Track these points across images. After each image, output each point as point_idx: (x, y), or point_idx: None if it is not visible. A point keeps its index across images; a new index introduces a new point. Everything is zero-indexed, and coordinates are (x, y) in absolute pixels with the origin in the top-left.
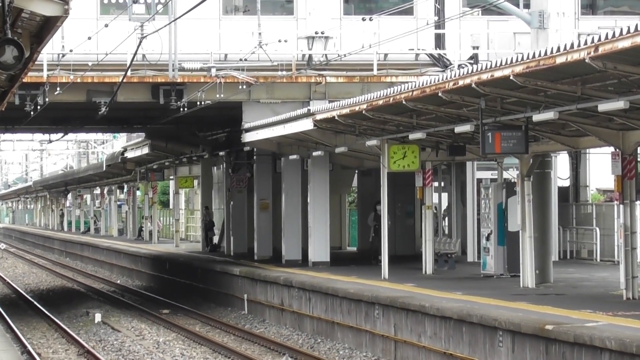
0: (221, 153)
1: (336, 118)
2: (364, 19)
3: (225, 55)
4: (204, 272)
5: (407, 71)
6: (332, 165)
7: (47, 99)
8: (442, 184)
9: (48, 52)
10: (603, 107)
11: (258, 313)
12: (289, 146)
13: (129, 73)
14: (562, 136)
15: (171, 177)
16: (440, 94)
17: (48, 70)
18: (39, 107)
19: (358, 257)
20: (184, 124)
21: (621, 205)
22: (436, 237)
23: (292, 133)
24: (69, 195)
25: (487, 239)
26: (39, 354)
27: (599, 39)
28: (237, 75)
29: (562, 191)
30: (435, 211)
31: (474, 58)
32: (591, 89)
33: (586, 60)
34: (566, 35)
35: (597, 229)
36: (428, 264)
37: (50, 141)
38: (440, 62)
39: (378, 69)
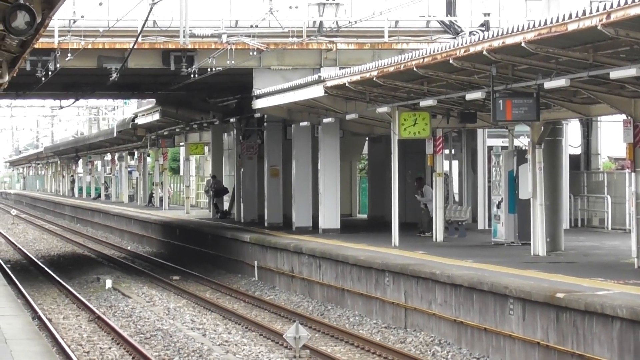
0: (232, 120)
1: (347, 85)
2: None
3: (236, 21)
4: (214, 238)
5: (418, 38)
6: (343, 132)
7: (58, 65)
8: (453, 152)
9: (59, 18)
10: (615, 74)
11: (268, 280)
12: (300, 113)
13: (139, 39)
14: (573, 103)
15: (182, 143)
16: (451, 61)
17: (59, 36)
18: (50, 73)
19: (368, 224)
20: (194, 91)
21: (633, 173)
22: (447, 205)
23: (302, 100)
24: (80, 162)
25: (498, 206)
26: (49, 320)
27: (611, 6)
28: (248, 41)
29: (573, 159)
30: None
31: (485, 25)
32: (603, 56)
33: (598, 27)
34: (578, 2)
35: (609, 197)
36: (439, 232)
37: (61, 107)
38: (451, 29)
39: (389, 36)
